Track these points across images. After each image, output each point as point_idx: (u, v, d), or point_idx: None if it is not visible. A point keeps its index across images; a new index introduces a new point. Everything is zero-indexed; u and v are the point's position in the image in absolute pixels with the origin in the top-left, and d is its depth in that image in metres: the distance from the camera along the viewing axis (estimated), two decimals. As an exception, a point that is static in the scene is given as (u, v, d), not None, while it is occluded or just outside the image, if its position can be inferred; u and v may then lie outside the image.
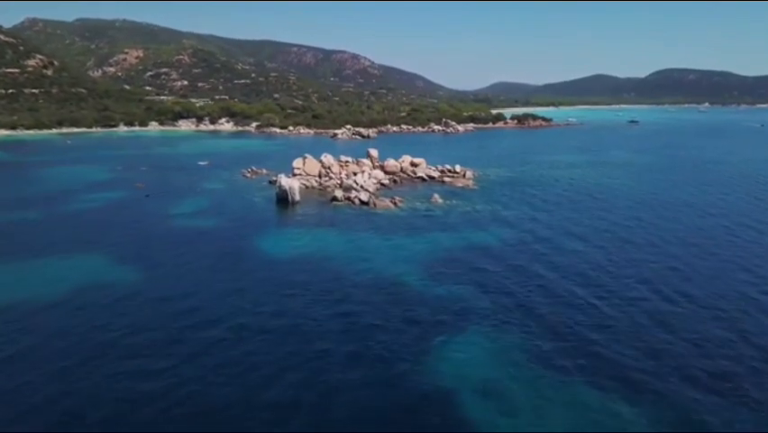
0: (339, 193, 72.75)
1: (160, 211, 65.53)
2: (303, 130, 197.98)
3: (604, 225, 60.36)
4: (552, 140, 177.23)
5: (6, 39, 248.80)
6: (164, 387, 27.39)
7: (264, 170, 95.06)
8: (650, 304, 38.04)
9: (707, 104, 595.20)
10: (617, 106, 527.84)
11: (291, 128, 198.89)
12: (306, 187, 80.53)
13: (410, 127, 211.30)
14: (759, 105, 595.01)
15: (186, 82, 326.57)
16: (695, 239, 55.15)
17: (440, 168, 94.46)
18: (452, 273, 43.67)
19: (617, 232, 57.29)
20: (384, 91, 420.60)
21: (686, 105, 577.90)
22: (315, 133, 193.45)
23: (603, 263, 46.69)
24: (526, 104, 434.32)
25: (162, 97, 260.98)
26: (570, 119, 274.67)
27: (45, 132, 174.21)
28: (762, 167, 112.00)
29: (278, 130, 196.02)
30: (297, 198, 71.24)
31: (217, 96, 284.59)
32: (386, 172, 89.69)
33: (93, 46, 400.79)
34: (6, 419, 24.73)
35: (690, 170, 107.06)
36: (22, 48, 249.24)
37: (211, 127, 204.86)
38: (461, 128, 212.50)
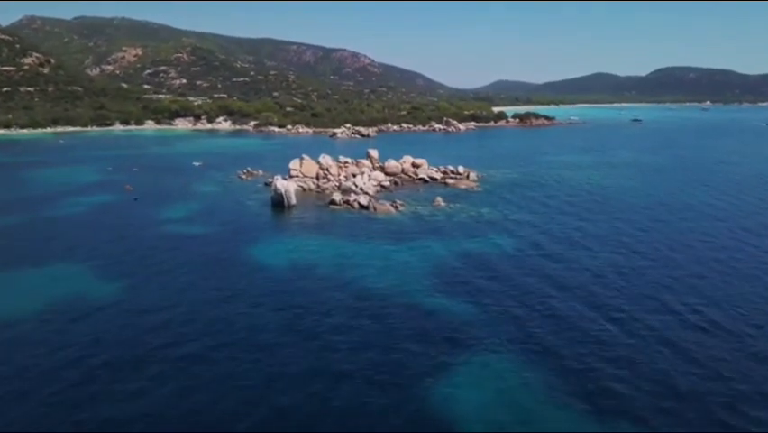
0: (337, 196, 69.54)
1: (146, 216, 62.21)
2: (302, 129, 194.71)
3: (616, 233, 56.77)
4: (555, 139, 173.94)
5: (2, 37, 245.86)
6: (125, 413, 24.37)
7: (260, 172, 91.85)
8: (672, 333, 34.27)
9: (708, 102, 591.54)
10: (619, 105, 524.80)
11: (290, 127, 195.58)
12: (304, 189, 77.36)
13: (411, 126, 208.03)
14: (761, 104, 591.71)
15: (184, 80, 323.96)
16: (713, 251, 50.81)
17: (442, 169, 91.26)
18: (458, 288, 40.29)
19: (630, 242, 53.48)
20: (384, 89, 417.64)
21: (687, 104, 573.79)
22: (314, 132, 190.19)
23: (619, 279, 43.27)
24: (527, 102, 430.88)
25: (160, 96, 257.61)
26: (572, 118, 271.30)
27: (39, 131, 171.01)
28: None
29: (276, 129, 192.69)
30: (294, 201, 68.04)
31: (216, 95, 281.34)
32: (386, 174, 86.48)
33: (91, 44, 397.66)
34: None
35: (699, 171, 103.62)
36: (18, 46, 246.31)
37: (208, 126, 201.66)
38: (462, 127, 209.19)
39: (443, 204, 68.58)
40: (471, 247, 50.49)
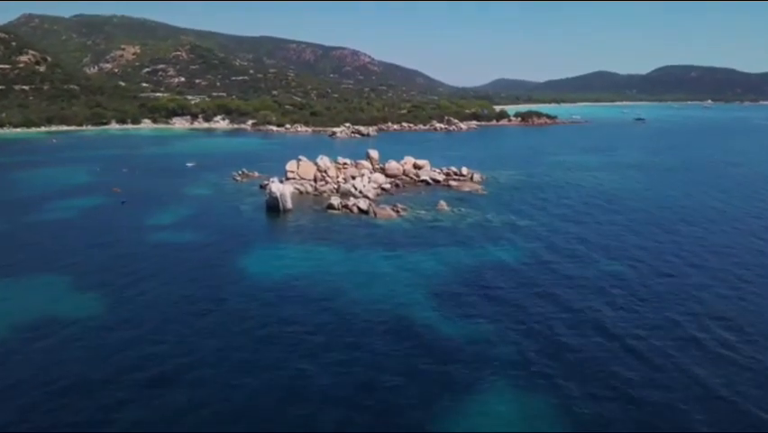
0: (335, 200, 66.02)
1: (131, 222, 58.58)
2: (300, 128, 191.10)
3: (631, 239, 53.32)
4: (559, 138, 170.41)
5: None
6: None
7: (256, 173, 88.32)
8: (700, 354, 31.09)
9: (709, 101, 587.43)
10: (620, 103, 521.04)
11: (288, 126, 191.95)
12: (300, 192, 73.87)
13: (411, 125, 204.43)
14: (762, 102, 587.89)
15: (183, 79, 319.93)
16: (737, 267, 47.16)
17: (445, 170, 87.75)
18: (465, 303, 36.86)
19: (647, 249, 50.14)
20: (384, 88, 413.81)
21: (689, 103, 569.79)
22: (313, 131, 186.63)
23: (639, 290, 39.88)
24: (528, 100, 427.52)
25: (158, 94, 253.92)
26: (574, 116, 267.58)
27: (33, 130, 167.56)
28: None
29: (274, 128, 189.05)
30: (289, 205, 64.56)
31: (215, 93, 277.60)
32: (387, 175, 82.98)
33: (89, 42, 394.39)
34: None
35: (710, 173, 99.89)
36: (14, 44, 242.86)
37: (205, 125, 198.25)
38: (463, 126, 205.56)
39: (446, 208, 65.10)
40: (479, 258, 46.96)
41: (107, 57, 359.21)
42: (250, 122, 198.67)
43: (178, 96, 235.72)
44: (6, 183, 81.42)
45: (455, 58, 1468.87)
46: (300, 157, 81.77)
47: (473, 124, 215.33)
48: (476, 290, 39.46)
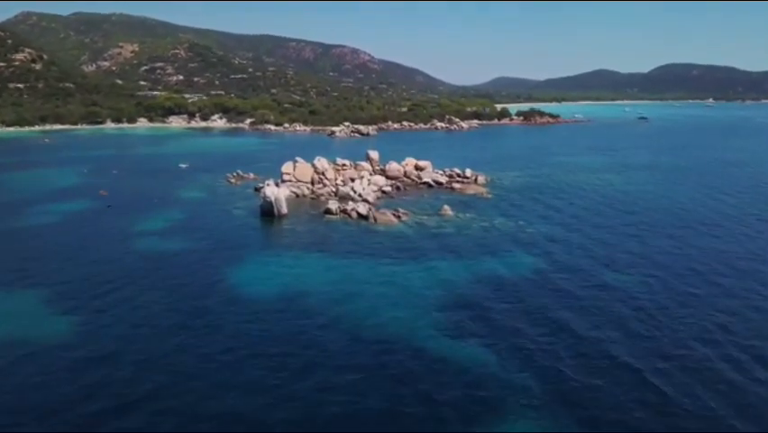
0: (333, 205, 62.62)
1: (116, 228, 55.03)
2: (299, 127, 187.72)
3: (645, 249, 49.60)
4: (563, 138, 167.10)
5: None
6: None
7: (251, 175, 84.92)
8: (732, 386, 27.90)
9: (711, 99, 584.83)
10: (622, 102, 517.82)
11: (287, 125, 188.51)
12: (297, 196, 70.52)
13: (411, 124, 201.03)
14: (764, 101, 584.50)
15: (181, 77, 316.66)
16: (757, 272, 44.46)
17: (448, 172, 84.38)
18: (473, 324, 33.37)
19: (663, 261, 46.71)
20: (384, 86, 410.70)
21: (690, 101, 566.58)
22: (312, 130, 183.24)
23: (661, 313, 36.58)
24: (529, 99, 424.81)
25: (155, 92, 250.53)
26: (576, 115, 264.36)
27: (27, 129, 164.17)
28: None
29: (272, 127, 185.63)
30: (285, 210, 61.20)
31: (213, 92, 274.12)
32: (387, 177, 79.61)
33: (87, 40, 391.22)
34: None
35: (720, 174, 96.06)
36: (10, 41, 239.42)
37: (202, 124, 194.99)
38: (465, 125, 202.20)
39: (450, 213, 61.74)
40: (487, 268, 43.57)
41: (105, 55, 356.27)
42: (248, 121, 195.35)
43: (175, 95, 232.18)
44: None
45: (455, 56, 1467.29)
46: (297, 158, 78.33)
47: (475, 122, 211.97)
48: (484, 309, 35.85)
